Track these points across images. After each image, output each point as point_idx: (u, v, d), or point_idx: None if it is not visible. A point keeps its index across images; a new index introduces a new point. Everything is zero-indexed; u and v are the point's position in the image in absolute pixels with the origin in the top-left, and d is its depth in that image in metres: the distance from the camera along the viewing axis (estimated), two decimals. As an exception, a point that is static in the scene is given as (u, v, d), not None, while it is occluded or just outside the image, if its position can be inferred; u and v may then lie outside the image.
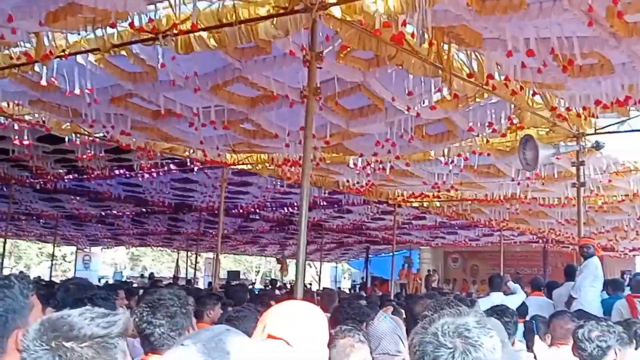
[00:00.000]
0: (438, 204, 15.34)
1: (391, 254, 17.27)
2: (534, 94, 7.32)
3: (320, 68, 5.64)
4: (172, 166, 12.11)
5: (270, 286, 24.23)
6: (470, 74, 6.47)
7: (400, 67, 6.27)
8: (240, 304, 6.06)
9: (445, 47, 6.14)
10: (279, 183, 12.88)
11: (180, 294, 3.16)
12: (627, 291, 9.29)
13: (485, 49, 6.04)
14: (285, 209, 17.07)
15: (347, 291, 24.15)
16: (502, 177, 10.83)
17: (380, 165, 10.46)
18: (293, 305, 2.49)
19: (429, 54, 6.12)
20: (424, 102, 7.18)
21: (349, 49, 6.20)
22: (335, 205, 16.11)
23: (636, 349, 4.80)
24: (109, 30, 6.00)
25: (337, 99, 7.31)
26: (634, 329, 4.99)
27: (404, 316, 6.53)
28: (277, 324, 2.30)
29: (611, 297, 9.03)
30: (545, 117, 8.12)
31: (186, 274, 28.88)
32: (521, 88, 7.06)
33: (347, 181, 12.46)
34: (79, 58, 6.66)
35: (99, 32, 6.00)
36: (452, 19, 5.49)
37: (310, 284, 28.70)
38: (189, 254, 29.52)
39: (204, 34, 5.91)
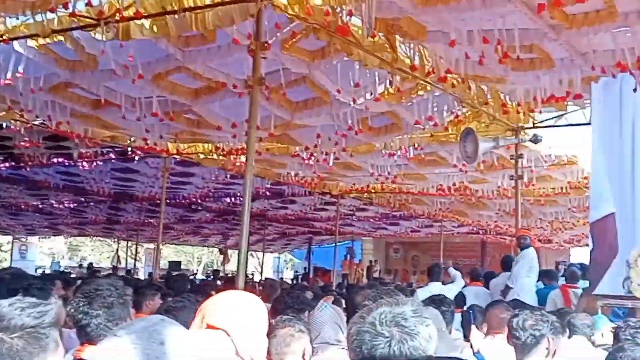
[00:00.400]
0: (375, 196, 15.43)
1: (334, 244, 17.36)
2: (469, 88, 7.42)
3: (265, 58, 5.62)
4: (112, 155, 11.86)
5: (212, 277, 24.07)
6: (414, 66, 6.51)
7: (346, 59, 6.28)
8: (181, 294, 5.99)
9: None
10: (222, 173, 12.77)
11: (118, 284, 3.11)
12: (562, 281, 9.59)
13: (429, 42, 6.09)
14: (228, 199, 16.91)
15: (290, 281, 24.17)
16: (444, 165, 10.93)
17: (324, 157, 10.46)
18: (232, 296, 2.49)
19: (373, 46, 6.15)
20: (370, 94, 7.20)
21: (294, 40, 6.18)
22: (279, 196, 16.07)
23: (569, 337, 4.95)
24: (50, 15, 5.82)
25: (283, 90, 7.27)
26: (567, 319, 5.12)
27: (345, 306, 6.57)
28: (216, 314, 2.30)
29: (546, 287, 9.30)
30: (486, 110, 8.25)
31: (126, 264, 28.44)
32: (463, 81, 7.15)
33: (288, 173, 12.42)
34: (17, 45, 6.45)
35: (38, 17, 5.83)
36: (396, 12, 5.52)
37: (253, 274, 28.63)
38: (129, 244, 29.08)
39: (147, 22, 5.81)
